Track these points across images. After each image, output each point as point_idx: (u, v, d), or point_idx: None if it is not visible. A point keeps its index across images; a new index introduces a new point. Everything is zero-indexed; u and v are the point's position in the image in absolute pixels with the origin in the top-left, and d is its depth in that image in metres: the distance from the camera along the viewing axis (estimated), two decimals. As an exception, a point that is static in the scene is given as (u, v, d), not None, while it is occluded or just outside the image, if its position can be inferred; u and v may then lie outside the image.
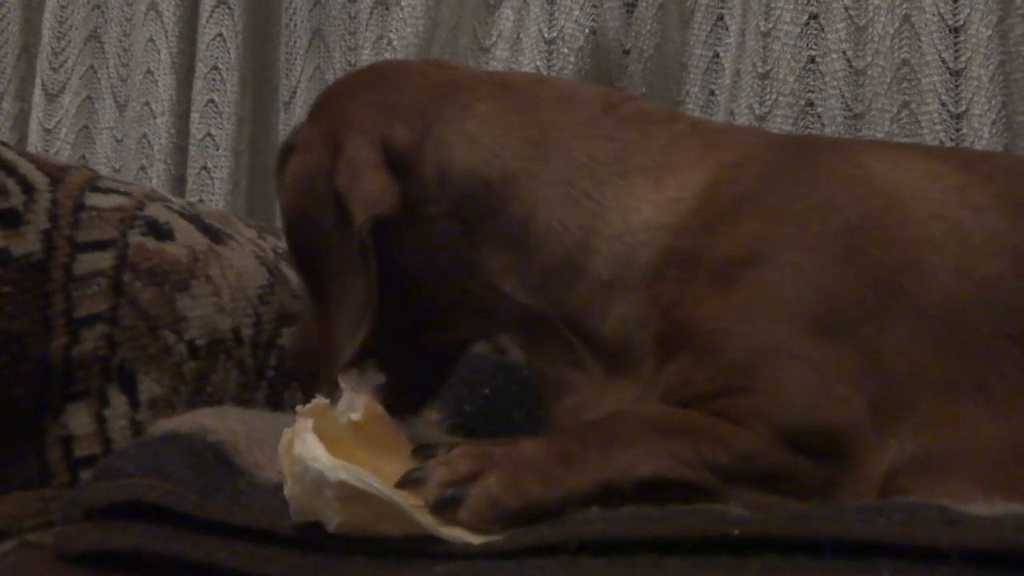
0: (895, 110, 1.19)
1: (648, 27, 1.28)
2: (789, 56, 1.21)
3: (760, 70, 1.22)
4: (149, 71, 1.45)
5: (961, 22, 1.15)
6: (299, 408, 0.57)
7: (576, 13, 1.26)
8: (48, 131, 1.52)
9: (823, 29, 1.21)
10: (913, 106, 1.18)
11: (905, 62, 1.18)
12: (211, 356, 0.88)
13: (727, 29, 1.29)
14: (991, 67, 1.14)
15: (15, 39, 1.55)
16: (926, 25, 1.17)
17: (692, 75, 1.31)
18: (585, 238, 0.70)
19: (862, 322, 0.63)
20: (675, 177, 0.71)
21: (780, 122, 1.21)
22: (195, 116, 1.41)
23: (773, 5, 1.22)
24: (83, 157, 1.52)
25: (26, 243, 0.78)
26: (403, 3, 1.33)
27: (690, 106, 1.31)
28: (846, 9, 1.21)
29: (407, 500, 0.53)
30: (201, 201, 1.37)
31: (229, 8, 1.41)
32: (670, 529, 0.50)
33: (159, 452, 0.63)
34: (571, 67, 1.25)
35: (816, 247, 0.66)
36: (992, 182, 0.70)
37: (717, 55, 1.31)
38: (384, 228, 0.68)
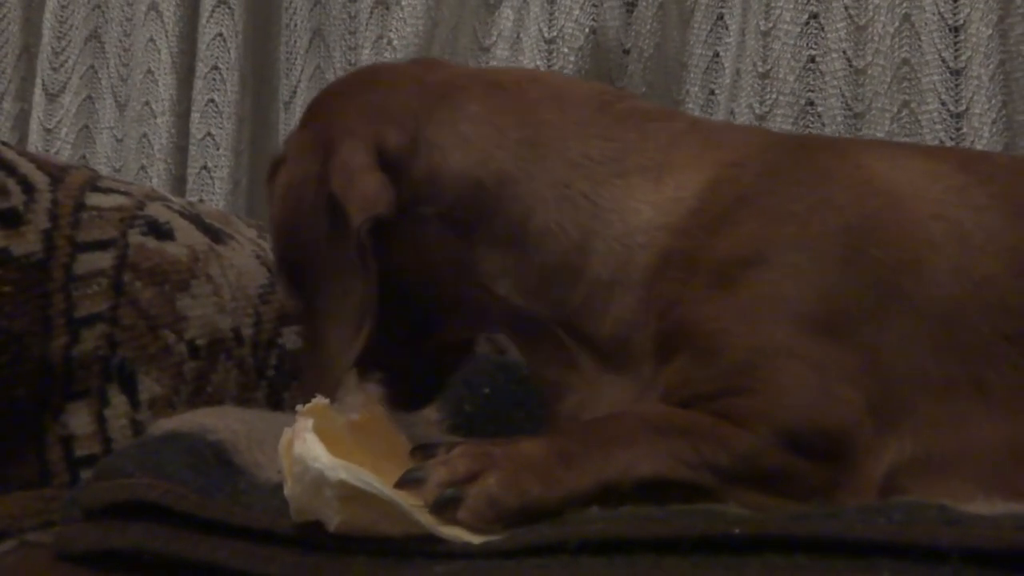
0: (895, 109, 1.19)
1: (648, 26, 1.28)
2: (789, 55, 1.21)
3: (760, 69, 1.22)
4: (149, 71, 1.45)
5: (961, 21, 1.15)
6: (299, 408, 0.57)
7: (576, 12, 1.26)
8: (48, 131, 1.52)
9: (823, 28, 1.21)
10: (913, 105, 1.18)
11: (905, 61, 1.18)
12: (211, 356, 0.88)
13: (727, 28, 1.29)
14: (991, 66, 1.14)
15: (15, 39, 1.55)
16: (926, 24, 1.17)
17: (692, 74, 1.31)
18: (583, 239, 0.69)
19: (862, 322, 0.63)
20: (674, 177, 0.70)
21: (780, 121, 1.21)
22: (195, 116, 1.41)
23: (773, 4, 1.22)
24: (83, 157, 1.52)
25: (26, 243, 0.78)
26: (403, 3, 1.33)
27: (690, 105, 1.31)
28: (846, 8, 1.21)
29: (407, 500, 0.53)
30: (201, 201, 1.37)
31: (229, 8, 1.40)
32: (670, 529, 0.50)
33: (159, 452, 0.63)
34: (571, 67, 1.25)
35: (816, 247, 0.66)
36: (991, 182, 0.70)
37: (717, 54, 1.31)
38: (379, 231, 0.68)
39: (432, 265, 0.72)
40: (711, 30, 1.31)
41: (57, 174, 0.83)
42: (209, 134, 1.41)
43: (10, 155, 0.81)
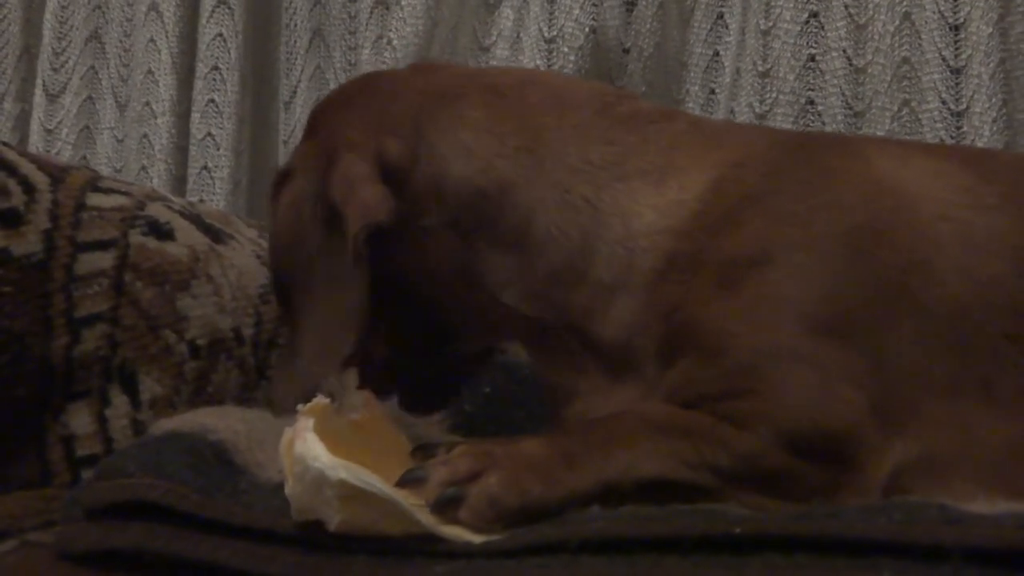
0: (895, 108, 1.19)
1: (648, 26, 1.28)
2: (789, 54, 1.21)
3: (760, 68, 1.22)
4: (150, 71, 1.45)
5: (961, 20, 1.15)
6: (300, 407, 0.57)
7: (576, 12, 1.26)
8: (49, 131, 1.52)
9: (823, 27, 1.21)
10: (913, 104, 1.18)
11: (905, 60, 1.18)
12: (212, 356, 0.88)
13: (727, 27, 1.29)
14: (991, 65, 1.13)
15: (16, 40, 1.55)
16: (926, 23, 1.17)
17: (692, 74, 1.31)
18: (585, 243, 0.69)
19: (867, 323, 0.63)
20: (676, 179, 0.70)
21: (780, 120, 1.21)
22: (196, 116, 1.41)
23: (773, 3, 1.22)
24: (84, 157, 1.52)
25: (27, 243, 0.78)
26: (403, 3, 1.33)
27: (690, 105, 1.31)
28: (846, 7, 1.21)
29: (408, 499, 0.53)
30: (202, 201, 1.37)
31: (229, 8, 1.41)
32: (671, 528, 0.50)
33: (160, 451, 0.63)
34: (571, 66, 1.25)
35: (822, 248, 0.65)
36: (997, 181, 0.70)
37: (717, 53, 1.31)
38: (383, 242, 0.68)
39: (440, 275, 0.72)
40: (711, 29, 1.31)
41: (58, 174, 0.83)
42: (209, 134, 1.41)
43: (11, 155, 0.81)
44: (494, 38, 1.34)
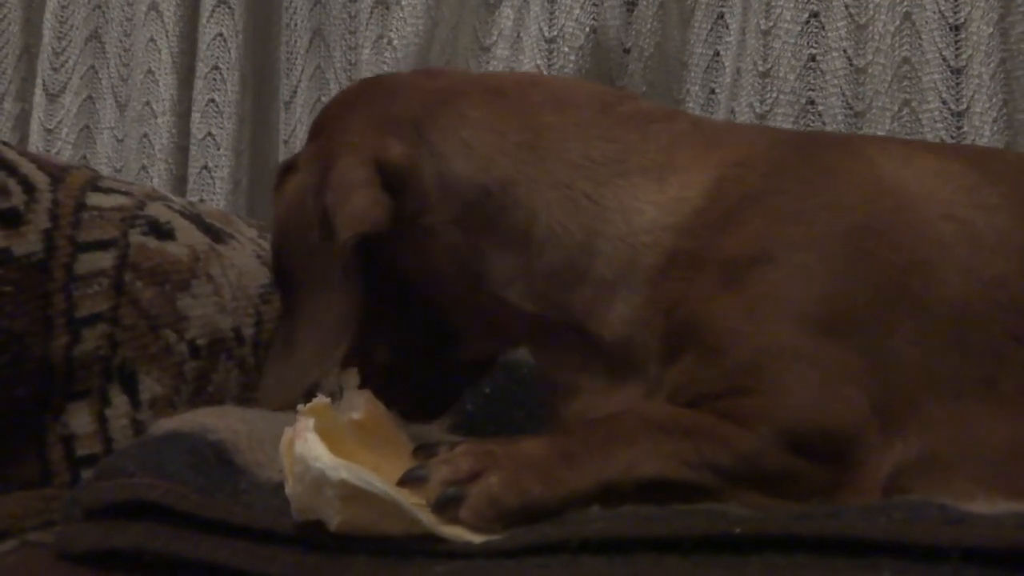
0: (896, 108, 1.19)
1: (648, 25, 1.28)
2: (790, 54, 1.21)
3: (761, 68, 1.22)
4: (150, 71, 1.45)
5: (962, 20, 1.15)
6: (300, 407, 0.57)
7: (576, 12, 1.26)
8: (49, 131, 1.52)
9: (823, 27, 1.21)
10: (914, 104, 1.18)
11: (906, 60, 1.18)
12: (212, 355, 0.88)
13: (727, 27, 1.29)
14: (992, 65, 1.13)
15: (16, 39, 1.55)
16: (927, 23, 1.17)
17: (693, 73, 1.31)
18: (587, 240, 0.69)
19: (869, 323, 0.63)
20: (678, 177, 0.70)
21: (781, 120, 1.21)
22: (196, 116, 1.41)
23: (773, 3, 1.22)
24: (84, 157, 1.52)
25: (27, 243, 0.78)
26: (403, 2, 1.33)
27: (691, 104, 1.31)
28: (846, 7, 1.21)
29: (408, 499, 0.53)
30: (202, 200, 1.37)
31: (230, 8, 1.41)
32: (671, 528, 0.50)
33: (160, 451, 0.63)
34: (571, 66, 1.25)
35: (824, 247, 0.65)
36: (1001, 181, 0.70)
37: (718, 53, 1.31)
38: (384, 243, 0.68)
39: (442, 275, 0.72)
40: (711, 29, 1.31)
41: (58, 174, 0.83)
42: (210, 134, 1.41)
43: (11, 155, 0.81)
44: (494, 38, 1.34)
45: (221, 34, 1.41)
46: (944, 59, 1.16)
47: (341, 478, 0.52)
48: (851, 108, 1.20)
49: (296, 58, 1.44)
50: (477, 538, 0.53)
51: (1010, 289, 0.65)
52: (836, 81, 1.20)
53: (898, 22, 1.18)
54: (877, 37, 1.20)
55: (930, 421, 0.62)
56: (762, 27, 1.23)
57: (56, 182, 0.82)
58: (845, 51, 1.20)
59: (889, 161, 0.71)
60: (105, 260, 0.82)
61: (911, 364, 0.63)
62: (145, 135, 1.45)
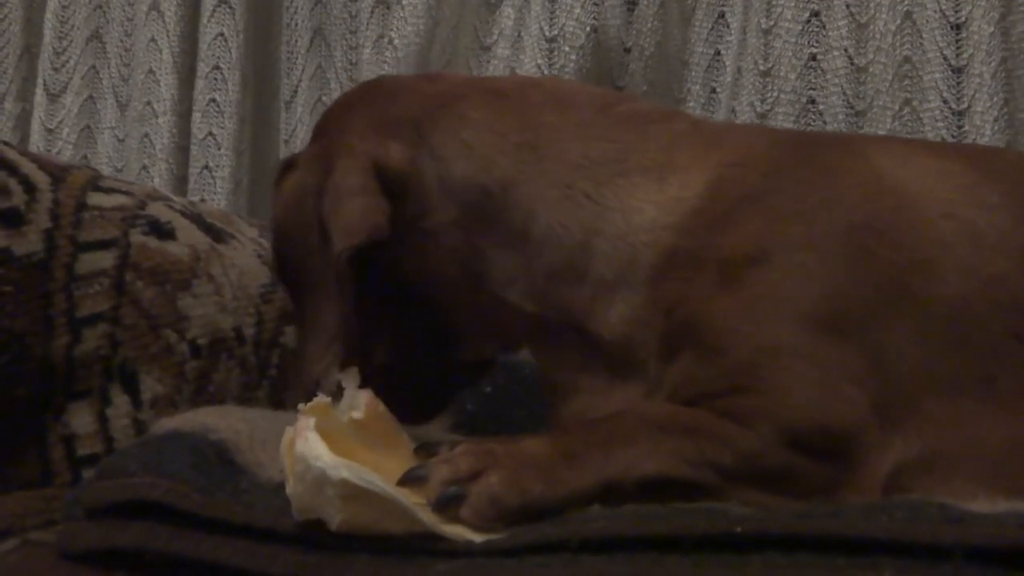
0: (897, 107, 1.19)
1: (649, 25, 1.28)
2: (790, 53, 1.21)
3: (761, 67, 1.22)
4: (151, 71, 1.45)
5: (963, 19, 1.15)
6: (301, 407, 0.57)
7: (577, 11, 1.26)
8: (50, 131, 1.52)
9: (824, 26, 1.21)
10: (915, 103, 1.18)
11: (907, 59, 1.18)
12: (213, 355, 0.88)
13: (728, 27, 1.29)
14: (993, 64, 1.13)
15: (17, 39, 1.55)
16: (928, 22, 1.17)
17: (693, 73, 1.31)
18: (586, 239, 0.69)
19: (869, 321, 0.63)
20: (677, 177, 0.70)
21: (781, 119, 1.21)
22: (197, 115, 1.41)
23: (774, 2, 1.22)
24: (85, 157, 1.52)
25: (28, 242, 0.78)
26: (404, 2, 1.33)
27: (691, 104, 1.31)
28: (847, 6, 1.20)
29: (409, 498, 0.53)
30: (203, 200, 1.37)
31: (230, 8, 1.41)
32: (672, 527, 0.50)
33: (161, 451, 0.63)
34: (572, 65, 1.25)
35: (823, 246, 0.65)
36: (1001, 180, 0.70)
37: (718, 53, 1.31)
38: (384, 244, 0.68)
39: (442, 275, 0.72)
40: (712, 28, 1.31)
41: (58, 174, 0.83)
42: (210, 134, 1.41)
43: (12, 155, 0.81)
44: (495, 37, 1.34)
45: (222, 34, 1.41)
46: (945, 58, 1.16)
47: (342, 477, 0.52)
48: (852, 107, 1.20)
49: (297, 58, 1.44)
50: (478, 537, 0.53)
51: (1010, 288, 0.65)
52: (837, 80, 1.20)
53: (899, 21, 1.18)
54: (878, 36, 1.20)
55: (930, 420, 0.62)
56: (763, 26, 1.23)
57: (57, 182, 0.82)
58: (846, 50, 1.20)
59: (889, 160, 0.71)
60: (106, 260, 0.82)
61: (911, 363, 0.63)
62: (146, 135, 1.45)
